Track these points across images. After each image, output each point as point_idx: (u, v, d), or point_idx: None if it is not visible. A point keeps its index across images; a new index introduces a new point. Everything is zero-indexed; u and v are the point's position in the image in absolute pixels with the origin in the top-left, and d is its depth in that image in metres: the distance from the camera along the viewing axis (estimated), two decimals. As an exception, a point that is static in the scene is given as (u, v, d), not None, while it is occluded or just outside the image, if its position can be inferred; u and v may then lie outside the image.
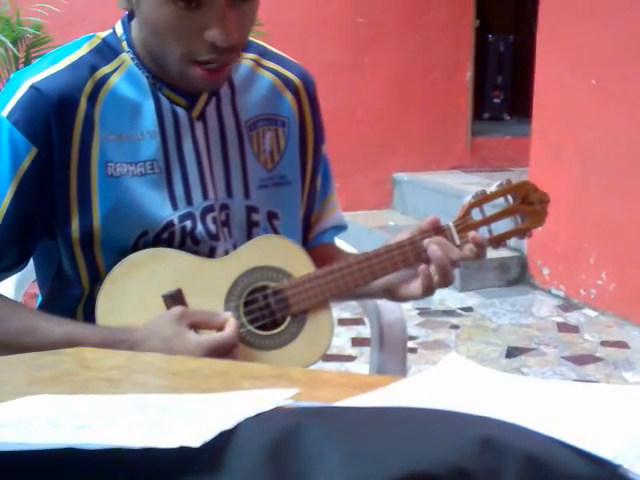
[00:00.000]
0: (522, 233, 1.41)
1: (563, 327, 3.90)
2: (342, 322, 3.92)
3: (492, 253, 4.54)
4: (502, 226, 1.41)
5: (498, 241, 1.40)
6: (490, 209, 1.40)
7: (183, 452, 0.55)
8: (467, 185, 4.80)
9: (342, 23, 5.30)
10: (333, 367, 3.39)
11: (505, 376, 0.92)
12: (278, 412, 0.64)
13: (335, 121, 5.25)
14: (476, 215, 1.39)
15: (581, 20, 4.04)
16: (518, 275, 4.52)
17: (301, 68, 1.51)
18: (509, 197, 1.41)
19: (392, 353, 1.65)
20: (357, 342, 3.68)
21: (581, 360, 3.52)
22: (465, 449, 0.59)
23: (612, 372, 3.39)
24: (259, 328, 1.34)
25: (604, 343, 3.69)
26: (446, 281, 1.34)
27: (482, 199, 1.38)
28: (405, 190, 5.50)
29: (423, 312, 4.12)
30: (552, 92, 4.27)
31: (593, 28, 3.95)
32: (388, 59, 5.41)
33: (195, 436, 0.56)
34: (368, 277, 1.36)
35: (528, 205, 1.40)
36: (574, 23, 4.08)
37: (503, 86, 6.68)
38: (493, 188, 1.39)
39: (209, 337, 1.24)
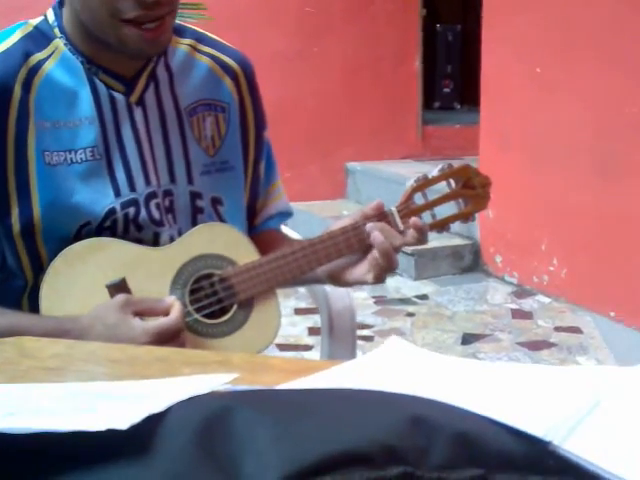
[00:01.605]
0: (465, 217, 1.41)
1: (517, 313, 3.93)
2: (299, 311, 3.91)
3: (445, 241, 4.56)
4: (446, 210, 1.41)
5: (441, 225, 1.40)
6: (434, 194, 1.40)
7: (111, 435, 0.54)
8: (419, 174, 4.80)
9: (290, 12, 5.29)
10: (290, 356, 3.38)
11: (445, 358, 0.93)
12: (211, 395, 0.63)
13: (286, 110, 5.26)
14: (419, 200, 1.39)
15: (525, 9, 4.06)
16: (472, 263, 4.54)
17: (239, 53, 1.49)
18: (451, 181, 1.41)
19: (342, 340, 1.65)
20: (314, 331, 3.68)
21: (535, 346, 3.55)
22: (395, 428, 0.58)
23: (566, 357, 3.42)
24: (206, 316, 1.33)
25: (558, 329, 3.72)
26: (390, 266, 1.33)
27: (424, 183, 1.38)
28: (358, 179, 5.50)
29: (379, 300, 4.13)
30: (498, 81, 4.30)
31: (537, 17, 3.98)
32: (337, 48, 5.42)
33: (123, 419, 0.55)
34: (313, 263, 1.35)
35: (470, 189, 1.41)
36: (518, 12, 4.10)
37: (453, 75, 6.73)
38: (435, 172, 1.39)
39: (154, 322, 1.22)
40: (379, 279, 1.35)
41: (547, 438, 0.63)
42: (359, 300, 4.13)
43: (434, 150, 5.67)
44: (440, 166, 1.40)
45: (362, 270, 1.36)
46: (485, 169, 4.59)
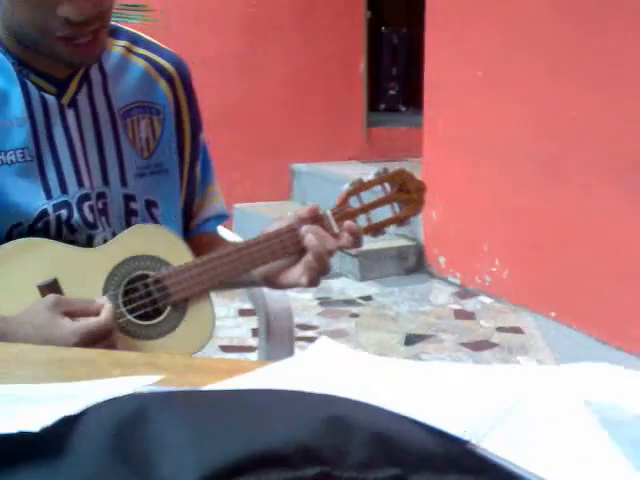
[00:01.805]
0: (400, 221, 1.43)
1: (460, 314, 3.96)
2: (243, 313, 3.91)
3: (390, 242, 4.58)
4: (382, 214, 1.42)
5: (376, 229, 1.41)
6: (370, 197, 1.41)
7: (23, 439, 0.53)
8: (365, 175, 4.82)
9: (234, 13, 5.27)
10: (234, 358, 3.37)
11: (373, 358, 0.93)
12: (130, 397, 0.62)
13: (231, 112, 5.25)
14: (355, 204, 1.40)
15: (467, 13, 4.10)
16: (416, 264, 4.57)
17: (175, 55, 1.49)
18: (387, 186, 1.42)
19: (280, 342, 1.65)
20: (258, 333, 3.67)
21: (477, 346, 3.58)
22: (312, 428, 0.58)
23: (507, 357, 3.46)
24: (140, 317, 1.32)
25: (500, 329, 3.76)
26: (324, 269, 1.34)
27: (359, 187, 1.39)
28: (304, 181, 5.51)
29: (323, 302, 4.14)
30: (441, 84, 4.33)
31: (479, 21, 4.02)
32: (282, 50, 5.42)
33: (36, 421, 0.54)
34: (247, 265, 1.35)
35: (405, 193, 1.42)
36: (460, 16, 4.15)
37: (398, 77, 6.77)
38: (370, 176, 1.41)
39: (82, 323, 1.21)
40: (313, 282, 1.35)
41: (465, 437, 0.64)
42: (304, 302, 4.14)
43: (379, 152, 5.70)
44: (376, 170, 1.41)
45: (296, 273, 1.36)
46: (429, 171, 4.65)
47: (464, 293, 4.22)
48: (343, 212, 1.38)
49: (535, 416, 0.75)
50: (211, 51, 5.11)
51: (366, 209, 1.41)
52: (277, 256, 1.36)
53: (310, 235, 1.33)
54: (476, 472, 0.63)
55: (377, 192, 1.43)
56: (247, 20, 5.29)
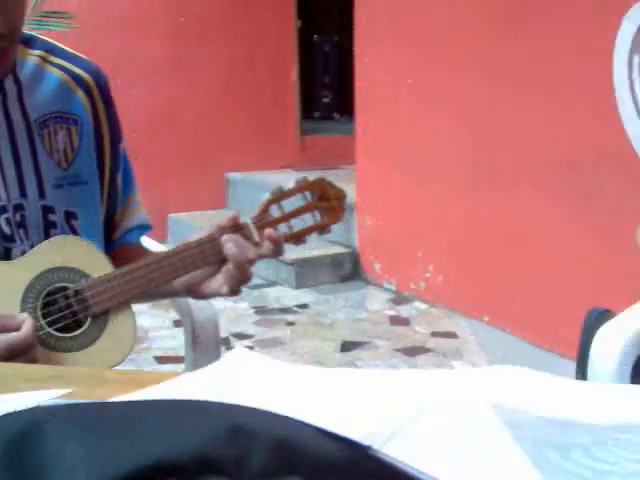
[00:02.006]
0: (321, 229, 1.43)
1: (395, 320, 3.98)
2: (178, 324, 3.87)
3: (325, 250, 4.57)
4: (303, 222, 1.43)
5: (297, 237, 1.42)
6: (291, 206, 1.42)
7: None
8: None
9: (165, 22, 5.26)
10: (168, 369, 3.35)
11: (288, 367, 0.93)
12: (25, 411, 0.62)
13: (164, 120, 5.23)
14: (277, 213, 1.41)
15: (394, 21, 4.14)
16: (351, 271, 4.59)
17: (92, 64, 1.47)
18: (307, 194, 1.43)
19: (206, 352, 1.64)
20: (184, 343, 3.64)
21: (412, 352, 3.60)
22: (211, 438, 0.58)
23: (442, 362, 3.49)
24: (60, 330, 1.30)
25: (434, 334, 3.79)
26: (244, 278, 1.34)
27: (280, 196, 1.40)
28: (238, 189, 5.50)
29: (259, 310, 4.14)
30: (372, 92, 4.37)
31: (406, 29, 4.06)
32: (213, 58, 5.41)
33: None
34: (168, 276, 1.34)
35: (325, 201, 1.43)
36: (388, 24, 4.18)
37: (331, 86, 6.81)
38: (290, 185, 1.41)
39: (2, 337, 1.19)
40: (234, 291, 1.36)
41: (366, 443, 0.64)
42: (240, 310, 4.13)
43: (313, 159, 5.71)
44: (296, 179, 1.42)
45: (217, 282, 1.36)
46: (362, 178, 4.67)
47: (399, 299, 4.24)
48: (264, 221, 1.38)
49: (440, 420, 0.76)
50: (141, 60, 5.09)
51: (287, 218, 1.41)
52: (198, 266, 1.35)
53: (230, 244, 1.33)
54: (378, 477, 0.63)
55: (298, 201, 1.44)
56: (178, 28, 5.27)
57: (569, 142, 3.22)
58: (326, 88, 6.84)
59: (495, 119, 3.60)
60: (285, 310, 4.15)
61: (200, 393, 0.77)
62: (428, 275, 4.10)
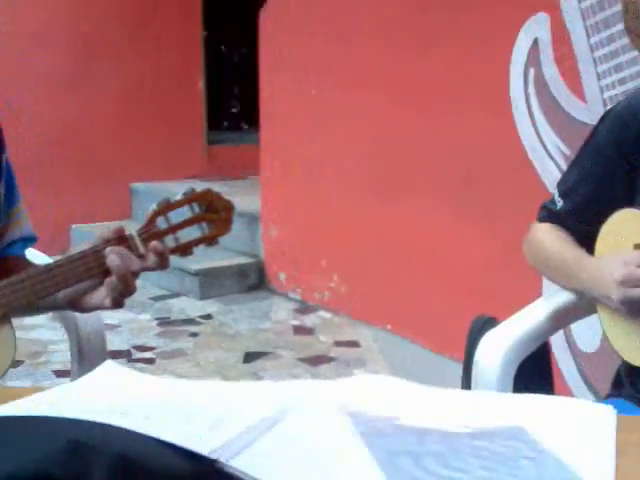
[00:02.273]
0: (208, 241, 1.42)
1: (299, 330, 3.99)
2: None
3: (230, 260, 4.54)
4: (191, 234, 1.42)
5: (184, 249, 1.40)
6: (179, 218, 1.40)
7: None
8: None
9: (67, 33, 5.19)
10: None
11: (154, 380, 0.93)
12: None
13: (66, 131, 5.15)
14: (164, 224, 1.39)
15: (297, 33, 4.17)
16: (257, 281, 4.58)
17: None
18: (195, 206, 1.41)
19: (93, 365, 1.61)
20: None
21: (315, 361, 3.61)
22: (52, 453, 0.58)
23: (344, 371, 3.50)
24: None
25: (338, 343, 3.81)
26: (128, 291, 1.32)
27: (166, 208, 1.38)
28: (143, 200, 5.44)
29: (162, 322, 4.10)
30: (276, 102, 4.38)
31: (309, 40, 4.09)
32: (119, 68, 5.36)
33: None
34: (50, 288, 1.31)
35: (213, 213, 1.42)
36: (291, 36, 4.21)
37: (240, 96, 6.80)
38: (178, 197, 1.40)
39: None
40: (117, 303, 1.34)
41: (213, 456, 0.65)
42: (142, 322, 4.09)
43: (220, 170, 5.70)
44: (184, 190, 1.41)
45: (100, 295, 1.34)
46: (267, 188, 4.65)
47: (304, 309, 4.25)
48: (149, 232, 1.36)
49: (295, 432, 0.76)
50: (43, 70, 5.00)
51: (173, 229, 1.39)
52: (81, 278, 1.33)
53: (113, 256, 1.31)
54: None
55: (186, 212, 1.43)
56: (81, 38, 5.20)
57: (469, 154, 3.27)
58: (234, 98, 6.84)
59: (397, 131, 3.63)
60: (189, 321, 4.12)
61: (59, 408, 0.76)
62: (332, 285, 4.12)
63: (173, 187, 5.32)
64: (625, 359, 1.48)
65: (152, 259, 1.34)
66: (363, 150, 3.85)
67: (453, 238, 3.38)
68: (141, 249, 1.34)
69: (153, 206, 1.39)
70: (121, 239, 1.35)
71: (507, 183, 3.09)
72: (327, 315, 4.14)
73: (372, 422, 0.81)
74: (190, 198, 1.41)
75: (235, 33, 7.13)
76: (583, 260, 1.53)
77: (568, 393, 2.71)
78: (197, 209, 1.42)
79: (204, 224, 1.42)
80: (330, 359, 3.64)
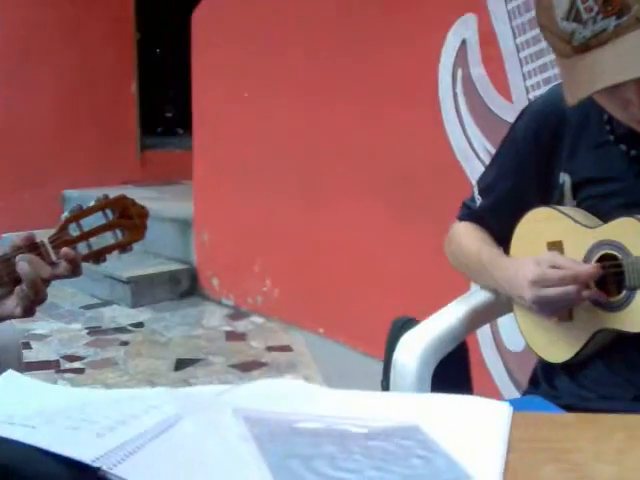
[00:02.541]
0: (122, 246, 1.41)
1: (231, 336, 3.97)
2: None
3: (162, 267, 4.49)
4: (105, 241, 1.40)
5: (97, 256, 1.39)
6: (92, 224, 1.38)
7: None
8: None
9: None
10: None
11: (60, 389, 0.93)
12: None
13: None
14: (76, 231, 1.37)
15: (229, 36, 4.16)
16: (189, 287, 4.54)
17: None
18: (108, 212, 1.40)
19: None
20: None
21: (247, 367, 3.60)
22: None
23: (275, 375, 3.49)
24: None
25: (270, 348, 3.80)
26: (38, 298, 1.31)
27: (78, 214, 1.37)
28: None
29: (93, 331, 4.05)
30: (209, 106, 4.36)
31: (240, 43, 4.08)
32: (49, 72, 5.29)
33: None
34: None
35: (127, 219, 1.41)
36: (223, 39, 4.20)
37: (174, 100, 6.74)
38: (90, 203, 1.38)
39: None
40: (28, 312, 1.32)
41: (96, 464, 0.64)
42: (72, 332, 4.03)
43: (154, 175, 5.65)
44: (96, 197, 1.40)
45: (11, 303, 1.32)
46: (199, 194, 4.61)
47: (237, 315, 4.23)
48: (61, 240, 1.35)
49: (186, 437, 0.76)
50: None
51: (86, 236, 1.38)
52: None
53: (23, 263, 1.29)
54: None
55: (100, 219, 1.41)
56: (12, 42, 5.13)
57: (401, 155, 3.27)
58: (169, 103, 6.78)
59: (330, 132, 3.63)
60: (119, 330, 4.07)
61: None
62: (265, 289, 4.11)
63: (107, 193, 5.28)
64: (539, 356, 1.50)
65: (64, 266, 1.33)
66: (296, 153, 3.84)
67: (386, 240, 3.38)
68: (52, 256, 1.33)
69: (65, 213, 1.38)
70: (32, 246, 1.33)
71: (437, 184, 3.10)
72: (260, 320, 4.12)
73: (268, 426, 0.81)
74: (103, 204, 1.40)
75: (171, 36, 7.09)
76: (498, 260, 1.54)
77: (495, 391, 2.73)
78: (111, 215, 1.41)
79: (118, 230, 1.41)
80: (262, 364, 3.62)
